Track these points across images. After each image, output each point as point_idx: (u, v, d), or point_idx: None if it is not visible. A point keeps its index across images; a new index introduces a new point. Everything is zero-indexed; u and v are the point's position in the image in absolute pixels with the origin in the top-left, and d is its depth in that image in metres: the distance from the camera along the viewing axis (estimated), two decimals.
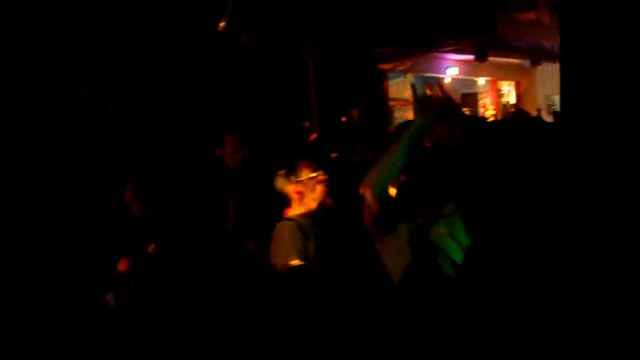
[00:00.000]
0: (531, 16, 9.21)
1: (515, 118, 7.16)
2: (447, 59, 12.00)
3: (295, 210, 2.66)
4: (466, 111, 12.80)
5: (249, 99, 7.26)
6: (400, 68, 11.29)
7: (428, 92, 2.26)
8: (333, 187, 2.73)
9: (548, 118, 11.68)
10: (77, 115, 5.72)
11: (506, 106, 15.25)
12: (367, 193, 2.04)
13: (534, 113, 14.19)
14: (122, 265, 2.75)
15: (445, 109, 2.24)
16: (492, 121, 10.12)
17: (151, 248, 2.81)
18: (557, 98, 15.44)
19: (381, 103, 10.20)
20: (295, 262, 2.29)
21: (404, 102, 12.56)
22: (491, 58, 11.36)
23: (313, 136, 5.51)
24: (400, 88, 12.59)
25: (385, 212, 2.03)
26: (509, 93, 16.01)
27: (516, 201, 1.92)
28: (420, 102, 2.10)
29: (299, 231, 2.50)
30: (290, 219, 2.62)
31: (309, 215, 2.64)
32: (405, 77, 12.34)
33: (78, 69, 5.66)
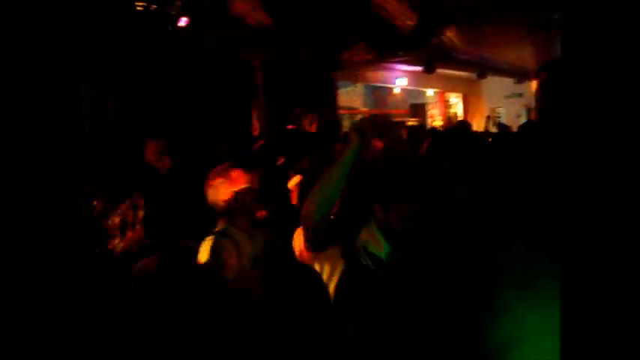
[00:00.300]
0: (478, 30, 9.49)
1: (457, 129, 7.34)
2: (396, 70, 12.21)
3: (228, 222, 2.46)
4: (414, 121, 13.08)
5: (193, 104, 7.11)
6: (350, 77, 11.43)
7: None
8: (269, 197, 2.61)
9: (493, 129, 12.06)
10: (77, 115, 5.44)
11: (451, 117, 15.68)
12: (307, 220, 1.96)
13: (482, 124, 14.68)
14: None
15: (383, 127, 2.23)
16: (444, 130, 10.36)
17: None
18: (502, 110, 16.05)
19: (331, 112, 10.27)
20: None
21: (353, 111, 12.74)
22: (439, 70, 11.65)
23: (258, 144, 5.46)
24: (350, 97, 12.76)
25: (322, 235, 1.99)
26: (457, 104, 16.49)
27: (468, 210, 1.96)
28: (357, 126, 2.07)
29: (229, 246, 2.33)
30: (220, 232, 2.42)
31: (245, 228, 2.47)
32: (355, 86, 12.52)
33: (78, 69, 5.40)
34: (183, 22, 6.35)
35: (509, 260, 0.75)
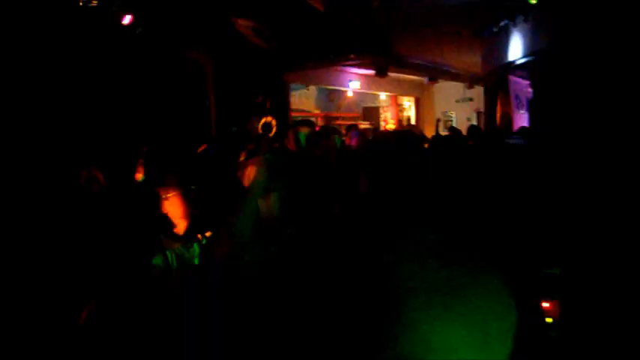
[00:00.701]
0: (429, 36, 9.70)
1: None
2: (349, 73, 12.33)
3: (174, 233, 2.41)
4: (367, 124, 13.24)
5: (139, 105, 6.98)
6: (302, 80, 11.47)
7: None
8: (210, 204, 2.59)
9: (445, 132, 12.34)
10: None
11: (403, 121, 15.95)
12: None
13: (433, 127, 15.00)
14: None
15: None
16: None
17: None
18: (453, 114, 16.45)
19: (283, 114, 10.27)
20: None
21: (306, 113, 12.76)
22: (391, 74, 11.83)
23: (202, 148, 5.40)
24: (303, 100, 12.79)
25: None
26: (409, 108, 16.78)
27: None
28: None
29: (162, 262, 2.25)
30: (162, 246, 2.34)
31: (182, 238, 2.40)
32: (308, 89, 12.57)
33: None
34: (127, 19, 6.23)
35: (413, 272, 0.78)
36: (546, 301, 1.41)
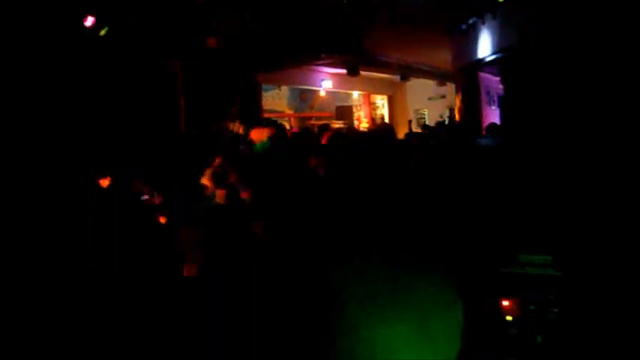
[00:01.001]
0: (400, 34, 9.79)
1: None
2: (321, 72, 12.36)
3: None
4: (341, 124, 13.29)
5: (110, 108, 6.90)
6: (274, 80, 11.46)
7: None
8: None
9: (417, 130, 12.47)
10: None
11: (377, 119, 16.05)
12: None
13: (406, 125, 15.13)
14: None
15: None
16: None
17: None
18: (425, 112, 16.63)
19: (255, 115, 10.25)
20: None
21: (278, 114, 12.76)
22: (363, 73, 11.90)
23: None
24: (275, 100, 12.78)
25: None
26: (382, 106, 16.89)
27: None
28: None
29: None
30: None
31: None
32: (280, 89, 12.56)
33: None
34: (89, 21, 6.16)
35: (352, 275, 0.79)
36: (506, 300, 1.45)
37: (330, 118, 14.34)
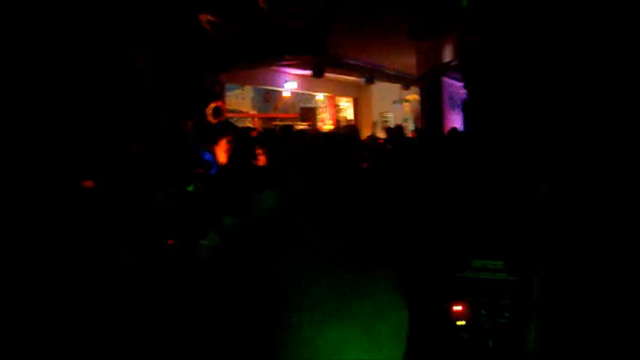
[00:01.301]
0: (365, 37, 9.85)
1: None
2: (286, 73, 12.33)
3: None
4: (305, 125, 13.30)
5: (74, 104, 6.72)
6: (238, 80, 11.37)
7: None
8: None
9: (382, 134, 12.58)
10: None
11: (341, 121, 16.13)
12: None
13: (370, 128, 15.26)
14: None
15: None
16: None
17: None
18: (390, 115, 16.79)
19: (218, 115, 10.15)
20: None
21: (242, 114, 12.67)
22: (328, 75, 11.92)
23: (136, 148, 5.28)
24: (239, 100, 12.68)
25: None
26: (347, 108, 16.97)
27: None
28: None
29: None
30: None
31: None
32: (243, 89, 12.47)
33: None
34: None
35: (299, 277, 0.79)
36: (457, 304, 1.46)
37: (294, 119, 14.32)
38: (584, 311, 1.56)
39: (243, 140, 3.95)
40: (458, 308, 1.47)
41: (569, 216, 1.74)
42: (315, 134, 7.80)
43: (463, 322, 1.48)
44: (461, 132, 6.76)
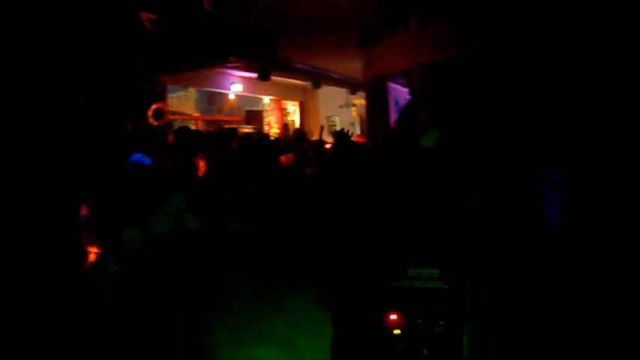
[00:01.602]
0: (312, 41, 9.90)
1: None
2: (231, 75, 12.22)
3: None
4: (250, 128, 13.22)
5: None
6: (181, 81, 11.18)
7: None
8: None
9: (329, 138, 12.64)
10: None
11: (287, 125, 16.14)
12: None
13: (317, 132, 15.31)
14: None
15: None
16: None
17: None
18: (337, 119, 16.92)
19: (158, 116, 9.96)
20: None
21: (185, 116, 12.48)
22: (275, 78, 11.89)
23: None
24: (182, 102, 12.48)
25: None
26: (294, 112, 16.99)
27: None
28: None
29: None
30: None
31: None
32: (187, 91, 12.29)
33: None
34: None
35: (218, 295, 0.78)
36: (393, 314, 1.49)
37: (239, 122, 14.22)
38: (513, 316, 1.62)
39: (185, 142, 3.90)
40: (394, 317, 1.50)
41: (494, 224, 1.80)
42: (259, 138, 7.76)
43: (399, 331, 1.51)
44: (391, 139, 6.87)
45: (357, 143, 8.56)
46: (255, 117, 15.01)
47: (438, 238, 1.51)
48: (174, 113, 11.38)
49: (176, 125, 11.48)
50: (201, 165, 3.86)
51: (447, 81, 6.43)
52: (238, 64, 10.39)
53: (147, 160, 4.43)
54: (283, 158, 4.66)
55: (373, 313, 1.45)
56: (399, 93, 10.39)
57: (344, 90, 15.21)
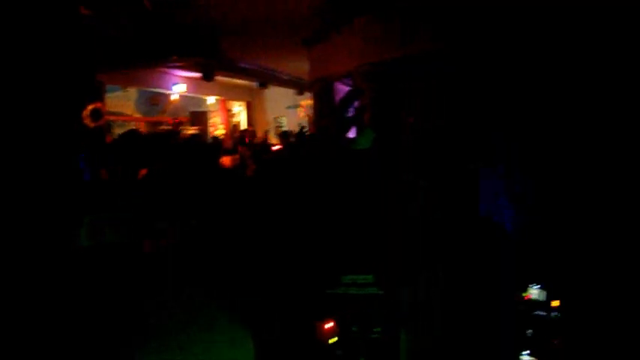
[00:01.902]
0: (257, 41, 9.84)
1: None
2: (174, 75, 11.98)
3: None
4: (195, 130, 13.01)
5: None
6: (120, 80, 10.87)
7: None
8: None
9: (275, 139, 12.61)
10: None
11: (236, 126, 16.00)
12: None
13: (264, 133, 15.24)
14: None
15: None
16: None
17: None
18: (284, 120, 16.91)
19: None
20: None
21: (125, 117, 12.15)
22: (220, 78, 11.73)
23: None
24: (121, 102, 12.15)
25: None
26: (240, 113, 16.85)
27: None
28: None
29: None
30: None
31: None
32: (126, 90, 11.96)
33: None
34: None
35: (149, 314, 0.75)
36: (328, 322, 1.47)
37: (184, 123, 13.96)
38: (452, 318, 1.64)
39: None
40: (329, 326, 1.48)
41: (444, 227, 1.82)
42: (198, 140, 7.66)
43: (335, 339, 1.49)
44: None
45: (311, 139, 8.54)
46: (199, 118, 14.79)
47: (371, 243, 1.50)
48: (112, 114, 11.04)
49: (115, 127, 11.17)
50: (142, 172, 3.75)
51: (389, 81, 6.53)
52: (181, 64, 10.20)
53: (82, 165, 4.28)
54: (224, 160, 4.60)
55: (308, 322, 1.43)
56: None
57: (291, 91, 15.21)
